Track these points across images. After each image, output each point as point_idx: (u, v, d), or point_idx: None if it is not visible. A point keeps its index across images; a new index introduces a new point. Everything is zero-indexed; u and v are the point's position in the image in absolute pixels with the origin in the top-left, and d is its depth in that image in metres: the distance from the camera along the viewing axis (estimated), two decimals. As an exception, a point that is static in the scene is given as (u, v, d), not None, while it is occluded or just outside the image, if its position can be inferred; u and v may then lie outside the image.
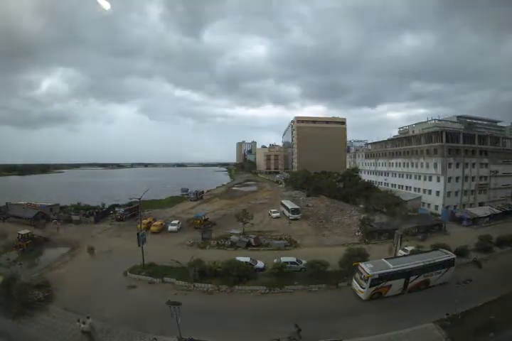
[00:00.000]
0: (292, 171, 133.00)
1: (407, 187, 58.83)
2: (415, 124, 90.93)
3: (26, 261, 28.76)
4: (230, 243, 33.99)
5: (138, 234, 27.00)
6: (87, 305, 19.76)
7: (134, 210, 46.87)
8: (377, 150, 76.48)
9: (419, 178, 55.08)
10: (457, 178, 50.37)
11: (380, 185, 67.03)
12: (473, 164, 51.98)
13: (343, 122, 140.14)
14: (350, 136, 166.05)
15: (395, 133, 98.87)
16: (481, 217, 42.61)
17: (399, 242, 27.40)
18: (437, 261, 22.75)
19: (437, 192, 50.06)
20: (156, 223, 41.56)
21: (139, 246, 26.41)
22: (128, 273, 25.68)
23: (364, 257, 24.27)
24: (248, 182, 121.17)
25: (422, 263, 22.12)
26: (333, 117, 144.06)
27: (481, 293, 19.59)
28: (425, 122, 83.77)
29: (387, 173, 67.95)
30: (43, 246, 33.94)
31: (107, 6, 8.38)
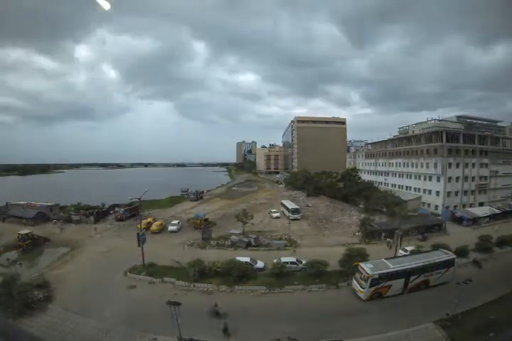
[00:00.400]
0: (292, 171, 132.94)
1: (407, 187, 58.85)
2: (415, 124, 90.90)
3: (26, 261, 28.72)
4: (230, 243, 34.00)
5: (138, 234, 27.02)
6: (87, 305, 19.81)
7: (134, 210, 46.86)
8: (377, 150, 76.50)
9: (419, 178, 55.09)
10: (457, 178, 50.40)
11: (380, 185, 67.01)
12: (473, 164, 52.01)
13: (343, 122, 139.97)
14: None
15: (395, 133, 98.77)
16: (481, 217, 42.61)
17: (399, 242, 27.41)
18: (437, 261, 22.77)
19: (437, 192, 50.08)
20: (156, 223, 41.56)
21: (139, 246, 26.42)
22: (128, 273, 25.68)
23: (364, 257, 24.27)
24: (248, 182, 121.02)
25: (422, 263, 22.14)
26: (333, 117, 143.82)
27: (481, 293, 19.60)
28: (425, 122, 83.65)
29: (387, 173, 67.95)
30: (43, 246, 33.93)
31: (107, 6, 8.34)
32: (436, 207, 49.59)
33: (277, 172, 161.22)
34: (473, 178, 51.91)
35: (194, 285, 23.20)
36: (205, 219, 44.40)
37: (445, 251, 24.62)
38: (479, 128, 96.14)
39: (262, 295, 22.28)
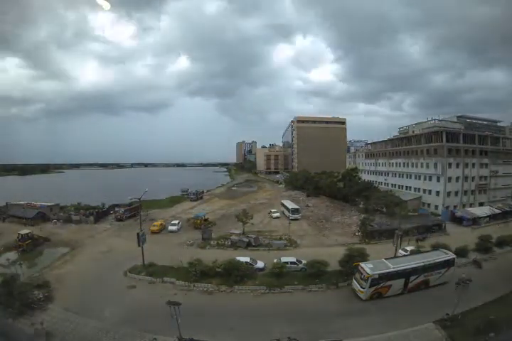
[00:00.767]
0: (292, 171, 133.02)
1: (407, 187, 58.82)
2: (415, 124, 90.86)
3: (26, 261, 28.72)
4: (230, 243, 34.00)
5: (138, 234, 27.00)
6: (87, 305, 19.81)
7: (134, 210, 46.87)
8: (377, 150, 76.52)
9: (419, 178, 55.07)
10: (457, 178, 50.39)
11: (380, 185, 66.97)
12: (473, 164, 51.98)
13: (343, 122, 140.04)
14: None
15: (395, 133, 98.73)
16: (481, 217, 42.59)
17: (399, 242, 27.40)
18: (437, 261, 22.76)
19: (437, 192, 50.07)
20: (155, 223, 41.56)
21: (139, 246, 26.41)
22: (128, 273, 25.69)
23: (364, 257, 24.24)
24: (248, 182, 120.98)
25: (422, 263, 22.12)
26: (334, 117, 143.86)
27: (481, 293, 19.59)
28: (425, 122, 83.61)
29: (387, 173, 67.94)
30: (43, 246, 33.96)
31: (106, 6, 8.34)
32: (436, 207, 49.58)
33: (277, 172, 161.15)
34: (473, 178, 51.88)
35: (194, 285, 23.20)
36: (205, 219, 44.42)
37: (445, 251, 24.60)
38: (479, 128, 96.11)
39: (262, 295, 22.26)
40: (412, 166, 57.38)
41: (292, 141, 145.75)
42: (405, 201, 49.32)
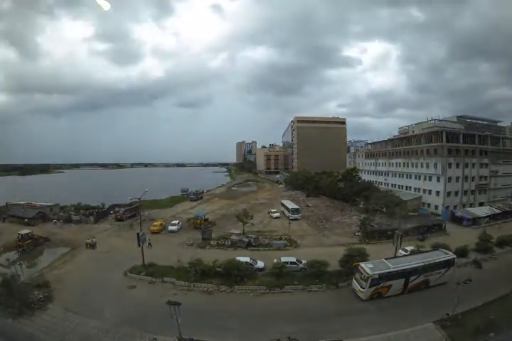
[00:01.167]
0: (292, 171, 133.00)
1: (407, 187, 58.79)
2: (415, 124, 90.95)
3: (26, 261, 28.74)
4: (230, 243, 34.00)
5: (138, 234, 27.00)
6: (87, 305, 19.80)
7: (134, 210, 46.86)
8: (377, 150, 76.48)
9: (419, 178, 55.05)
10: (457, 178, 50.36)
11: (380, 185, 66.95)
12: (473, 164, 51.94)
13: (343, 122, 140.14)
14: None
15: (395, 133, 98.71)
16: (481, 217, 42.58)
17: (399, 242, 27.40)
18: (437, 261, 22.75)
19: (437, 192, 50.05)
20: (155, 223, 41.55)
21: (139, 246, 26.40)
22: (128, 273, 25.68)
23: (364, 257, 24.23)
24: (248, 182, 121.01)
25: (422, 263, 22.11)
26: (333, 117, 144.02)
27: (481, 293, 19.58)
28: (425, 122, 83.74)
29: (387, 173, 67.93)
30: (43, 246, 33.96)
31: (106, 6, 8.34)
32: (436, 207, 49.56)
33: (277, 172, 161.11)
34: (473, 178, 51.83)
35: (194, 285, 23.19)
36: (205, 219, 44.44)
37: (445, 251, 24.60)
38: (479, 128, 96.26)
39: (262, 295, 22.26)
40: (412, 166, 57.35)
41: (292, 141, 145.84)
42: (405, 201, 49.29)
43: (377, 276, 20.67)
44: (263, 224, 44.53)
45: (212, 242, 34.80)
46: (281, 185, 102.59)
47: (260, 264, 26.72)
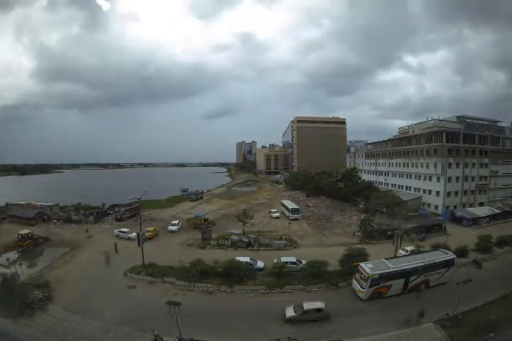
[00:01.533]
0: (292, 171, 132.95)
1: (407, 187, 58.80)
2: (415, 124, 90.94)
3: (26, 261, 28.76)
4: (230, 243, 33.98)
5: (138, 233, 27.03)
6: (87, 305, 19.81)
7: (134, 210, 46.85)
8: (377, 150, 76.50)
9: (419, 178, 55.05)
10: (457, 178, 50.35)
11: (380, 185, 66.98)
12: (473, 164, 51.93)
13: (343, 122, 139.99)
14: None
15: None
16: (481, 217, 42.59)
17: (399, 242, 27.40)
18: (437, 261, 22.76)
19: (437, 192, 50.05)
20: (149, 228, 37.92)
21: (139, 246, 26.43)
22: (128, 273, 25.69)
23: (364, 257, 24.25)
24: (248, 182, 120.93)
25: (422, 263, 22.13)
26: (333, 117, 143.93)
27: (481, 293, 19.63)
28: (425, 122, 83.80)
29: (387, 173, 67.93)
30: (43, 246, 33.97)
31: (106, 6, 8.24)
32: (436, 207, 49.55)
33: (277, 173, 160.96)
34: (473, 178, 51.82)
35: (194, 285, 23.19)
36: (205, 219, 44.42)
37: (445, 251, 24.61)
38: (479, 128, 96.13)
39: (262, 295, 22.27)
40: (412, 166, 57.35)
41: (292, 141, 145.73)
42: (405, 201, 49.27)
43: (377, 276, 20.68)
44: (263, 224, 44.52)
45: (212, 242, 34.78)
46: (281, 185, 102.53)
47: (260, 264, 26.71)
